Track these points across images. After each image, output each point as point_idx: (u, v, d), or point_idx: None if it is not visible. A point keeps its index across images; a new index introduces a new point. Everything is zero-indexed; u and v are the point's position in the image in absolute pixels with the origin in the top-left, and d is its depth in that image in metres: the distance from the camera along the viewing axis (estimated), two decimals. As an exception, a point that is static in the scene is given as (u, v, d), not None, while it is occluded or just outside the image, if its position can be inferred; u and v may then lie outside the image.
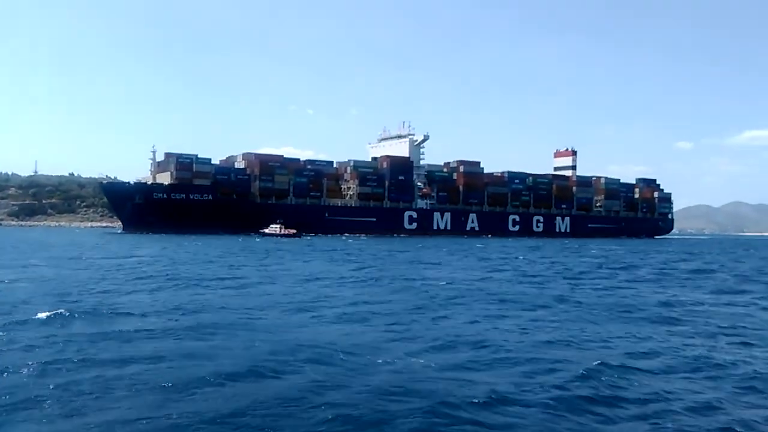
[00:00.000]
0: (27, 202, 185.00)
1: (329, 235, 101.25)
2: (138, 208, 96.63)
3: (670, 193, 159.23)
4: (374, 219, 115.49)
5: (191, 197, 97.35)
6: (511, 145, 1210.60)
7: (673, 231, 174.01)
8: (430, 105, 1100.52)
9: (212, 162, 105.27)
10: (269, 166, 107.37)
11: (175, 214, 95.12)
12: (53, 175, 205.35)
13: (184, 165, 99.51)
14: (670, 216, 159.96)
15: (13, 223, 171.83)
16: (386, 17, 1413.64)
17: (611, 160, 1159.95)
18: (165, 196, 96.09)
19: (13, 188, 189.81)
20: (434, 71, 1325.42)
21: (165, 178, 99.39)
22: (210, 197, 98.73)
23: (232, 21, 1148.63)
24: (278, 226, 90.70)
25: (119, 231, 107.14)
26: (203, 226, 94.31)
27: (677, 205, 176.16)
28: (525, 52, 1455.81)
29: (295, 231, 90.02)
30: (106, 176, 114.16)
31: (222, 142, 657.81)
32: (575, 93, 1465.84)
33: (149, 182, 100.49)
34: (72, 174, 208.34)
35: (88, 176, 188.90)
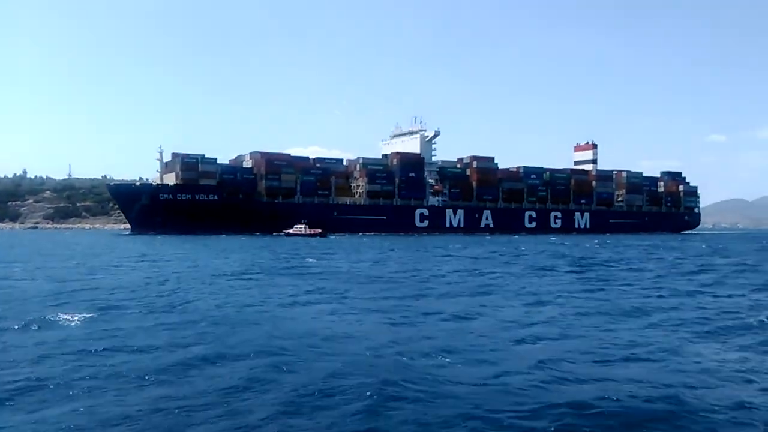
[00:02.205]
0: (62, 205, 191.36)
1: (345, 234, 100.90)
2: (145, 209, 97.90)
3: (696, 187, 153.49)
4: (384, 217, 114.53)
5: (197, 197, 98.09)
6: (529, 141, 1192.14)
7: (701, 225, 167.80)
8: (445, 100, 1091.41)
9: (218, 162, 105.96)
10: (275, 165, 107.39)
11: (181, 215, 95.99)
12: (87, 178, 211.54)
13: (189, 165, 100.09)
14: (696, 210, 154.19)
15: (49, 226, 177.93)
16: (404, 15, 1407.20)
17: (641, 155, 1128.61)
18: (171, 196, 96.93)
19: (48, 191, 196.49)
20: (449, 66, 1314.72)
21: (171, 179, 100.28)
22: (216, 197, 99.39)
23: (268, 23, 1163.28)
24: (303, 226, 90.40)
25: (126, 233, 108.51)
26: (210, 227, 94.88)
27: (711, 200, 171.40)
28: (546, 43, 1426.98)
29: (320, 231, 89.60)
30: (140, 178, 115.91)
31: (253, 144, 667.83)
32: (599, 87, 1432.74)
33: (155, 183, 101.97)
34: (105, 177, 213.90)
35: (121, 179, 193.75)
